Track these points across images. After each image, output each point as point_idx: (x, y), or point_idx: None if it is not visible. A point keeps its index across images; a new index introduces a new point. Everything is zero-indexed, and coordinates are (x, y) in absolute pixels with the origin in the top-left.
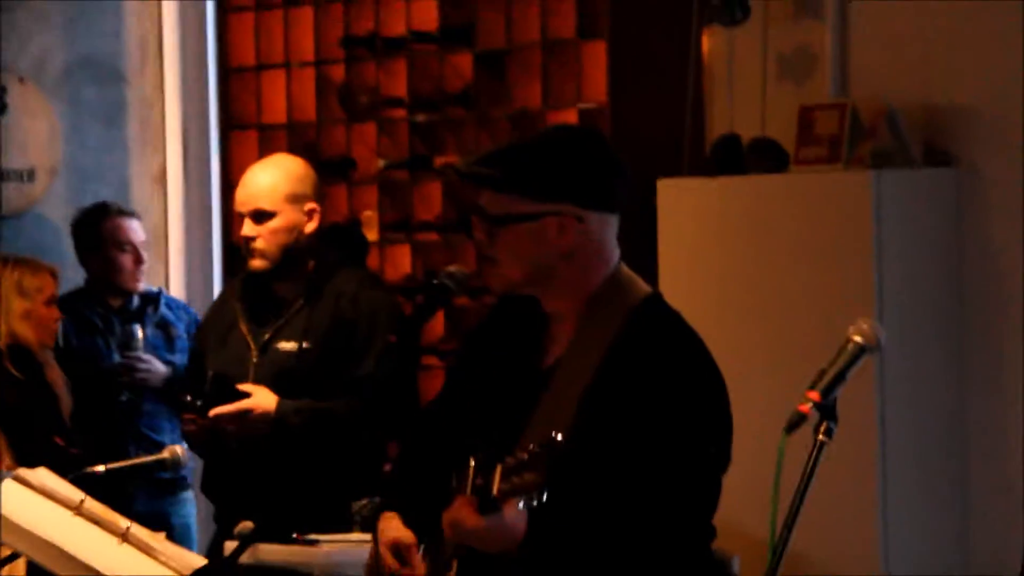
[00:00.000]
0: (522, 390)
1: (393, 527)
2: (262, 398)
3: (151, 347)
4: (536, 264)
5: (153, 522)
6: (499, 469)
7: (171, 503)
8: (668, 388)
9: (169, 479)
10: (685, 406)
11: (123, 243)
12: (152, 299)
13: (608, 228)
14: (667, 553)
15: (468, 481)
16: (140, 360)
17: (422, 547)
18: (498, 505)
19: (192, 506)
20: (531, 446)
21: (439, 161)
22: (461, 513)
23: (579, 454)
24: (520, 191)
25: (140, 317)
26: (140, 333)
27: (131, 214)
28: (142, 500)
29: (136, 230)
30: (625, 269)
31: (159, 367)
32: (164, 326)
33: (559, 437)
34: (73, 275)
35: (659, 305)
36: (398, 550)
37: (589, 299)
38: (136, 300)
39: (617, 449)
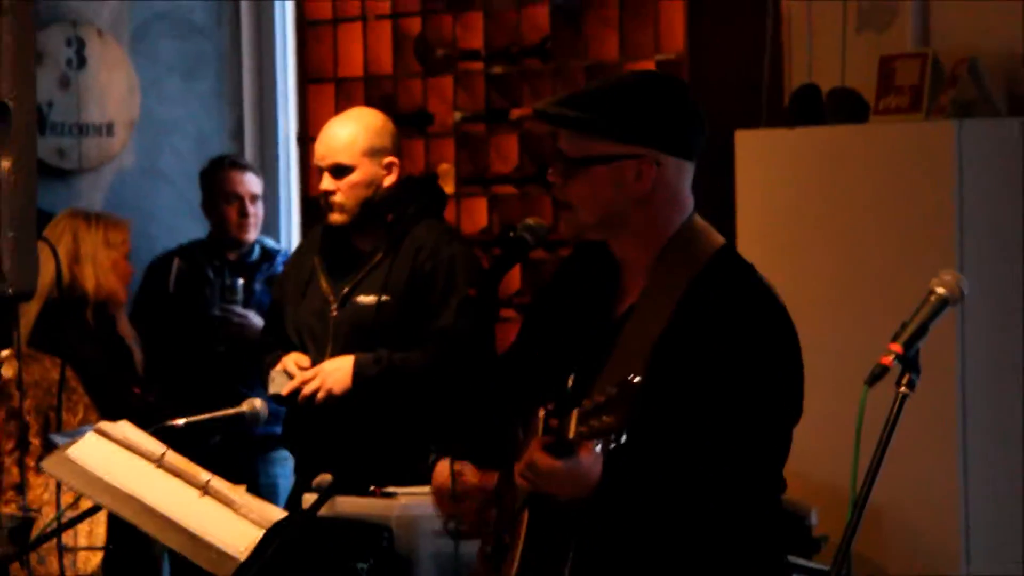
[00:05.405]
0: (594, 339)
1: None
2: (330, 368)
3: (258, 303)
4: (611, 208)
5: (239, 479)
6: (575, 413)
7: (260, 461)
8: (742, 338)
9: (261, 436)
10: (758, 357)
11: (230, 195)
12: (271, 255)
13: (684, 176)
14: (737, 503)
15: (539, 429)
16: (235, 313)
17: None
18: (574, 449)
19: (283, 466)
20: (608, 389)
21: (516, 113)
22: (536, 457)
23: (653, 401)
24: (601, 132)
25: (253, 272)
26: (240, 286)
27: (243, 167)
28: (230, 456)
29: (245, 182)
30: (699, 219)
31: (255, 321)
32: None
33: (636, 379)
34: (143, 225)
35: (733, 256)
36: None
37: (662, 248)
38: (256, 254)
39: (689, 398)
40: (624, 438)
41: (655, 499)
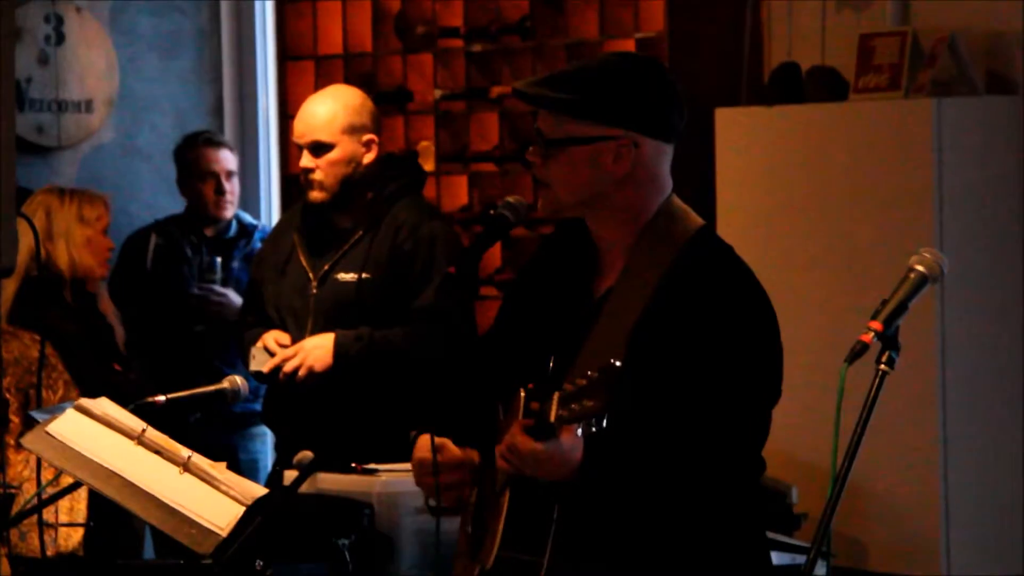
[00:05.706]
0: (573, 320)
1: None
2: (311, 345)
3: (236, 280)
4: (589, 189)
5: (219, 456)
6: (556, 396)
7: (240, 438)
8: (720, 320)
9: (240, 413)
10: (736, 339)
11: (205, 173)
12: (249, 231)
13: (663, 157)
14: (717, 484)
15: (519, 410)
16: (214, 292)
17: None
18: (555, 431)
19: (262, 443)
20: (589, 372)
21: (495, 91)
22: (518, 439)
23: (633, 384)
24: (580, 114)
25: (231, 248)
26: (219, 265)
27: (218, 143)
28: (210, 433)
29: (220, 159)
30: (678, 200)
31: (235, 299)
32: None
33: (618, 363)
34: (122, 203)
35: (711, 237)
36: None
37: (641, 229)
38: (233, 231)
39: (669, 381)
40: (604, 422)
41: (636, 481)
